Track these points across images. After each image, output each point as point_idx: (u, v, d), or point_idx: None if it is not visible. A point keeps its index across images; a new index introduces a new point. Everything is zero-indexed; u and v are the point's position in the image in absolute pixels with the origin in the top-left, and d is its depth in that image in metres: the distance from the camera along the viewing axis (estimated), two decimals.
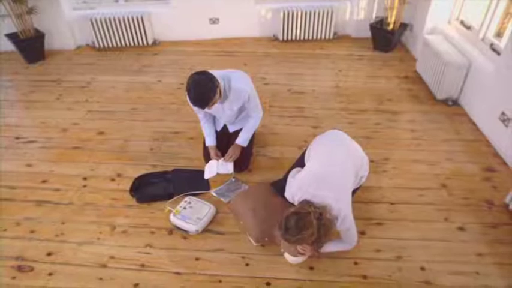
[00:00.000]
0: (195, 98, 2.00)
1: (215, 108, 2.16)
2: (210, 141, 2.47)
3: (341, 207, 1.70)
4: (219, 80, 2.07)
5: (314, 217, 1.60)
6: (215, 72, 2.12)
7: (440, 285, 1.84)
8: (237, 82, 2.18)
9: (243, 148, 2.43)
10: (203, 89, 1.99)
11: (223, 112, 2.32)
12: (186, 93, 2.03)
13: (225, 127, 2.53)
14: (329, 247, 1.87)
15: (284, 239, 1.67)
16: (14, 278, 1.92)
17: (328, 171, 1.82)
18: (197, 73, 2.04)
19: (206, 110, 2.16)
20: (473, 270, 1.90)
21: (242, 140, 2.41)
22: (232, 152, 2.39)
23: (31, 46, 4.07)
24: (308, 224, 1.59)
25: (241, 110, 2.35)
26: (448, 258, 1.96)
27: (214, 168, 2.40)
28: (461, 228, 2.13)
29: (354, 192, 2.06)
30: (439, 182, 2.44)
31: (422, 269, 1.91)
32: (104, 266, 1.97)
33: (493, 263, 1.93)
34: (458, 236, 2.08)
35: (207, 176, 2.42)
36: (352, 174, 1.87)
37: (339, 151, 1.94)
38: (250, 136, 2.43)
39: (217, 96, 2.04)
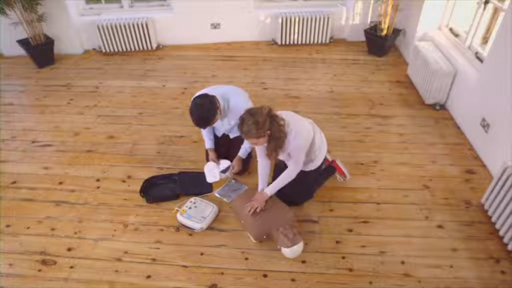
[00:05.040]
0: (197, 120, 2.26)
1: (215, 124, 2.40)
2: (209, 144, 2.70)
3: (296, 126, 2.13)
4: (220, 101, 2.30)
5: (264, 110, 2.03)
6: (216, 91, 2.35)
7: (417, 277, 2.07)
8: (236, 102, 2.42)
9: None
10: (204, 113, 2.23)
11: (222, 126, 2.57)
12: (190, 114, 2.26)
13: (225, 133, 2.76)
14: (279, 181, 2.26)
15: (242, 133, 2.05)
16: (39, 270, 2.16)
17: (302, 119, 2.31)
18: (199, 97, 2.28)
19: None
20: (448, 263, 2.14)
21: (242, 153, 2.65)
22: (236, 164, 2.64)
23: (41, 51, 4.28)
24: (259, 111, 2.02)
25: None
26: (426, 253, 2.19)
27: (215, 171, 2.64)
28: (440, 226, 2.35)
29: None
30: (423, 183, 2.66)
31: (403, 262, 2.15)
32: (119, 260, 2.21)
33: (466, 257, 2.17)
34: (436, 233, 2.31)
35: (210, 180, 2.66)
36: (311, 139, 2.27)
37: (308, 123, 2.36)
38: (249, 150, 2.66)
39: (218, 116, 2.28)
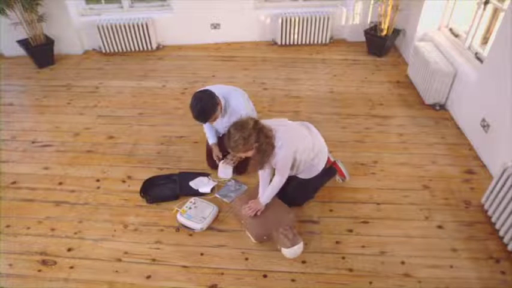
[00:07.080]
0: (197, 114, 2.27)
1: (215, 122, 2.41)
2: (213, 139, 2.70)
3: (283, 137, 2.08)
4: (220, 99, 2.30)
5: (250, 123, 2.00)
6: (216, 91, 2.35)
7: (417, 277, 2.07)
8: (236, 101, 2.43)
9: None
10: (205, 106, 2.24)
11: (222, 124, 2.57)
12: (190, 108, 2.26)
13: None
14: (269, 191, 2.25)
15: (229, 148, 2.03)
16: (39, 271, 2.16)
17: (295, 127, 2.30)
18: (200, 91, 2.29)
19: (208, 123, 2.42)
20: (448, 264, 2.13)
21: None
22: (232, 156, 2.62)
23: (41, 52, 4.28)
24: (245, 125, 1.98)
25: None
26: (426, 253, 2.19)
27: (229, 171, 2.64)
28: (439, 226, 2.35)
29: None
30: (423, 183, 2.65)
31: (403, 263, 2.14)
32: (119, 260, 2.21)
33: (466, 257, 2.16)
34: (436, 233, 2.31)
35: (222, 175, 2.65)
36: (307, 148, 2.25)
37: (305, 129, 2.36)
38: None
39: (218, 113, 2.29)
